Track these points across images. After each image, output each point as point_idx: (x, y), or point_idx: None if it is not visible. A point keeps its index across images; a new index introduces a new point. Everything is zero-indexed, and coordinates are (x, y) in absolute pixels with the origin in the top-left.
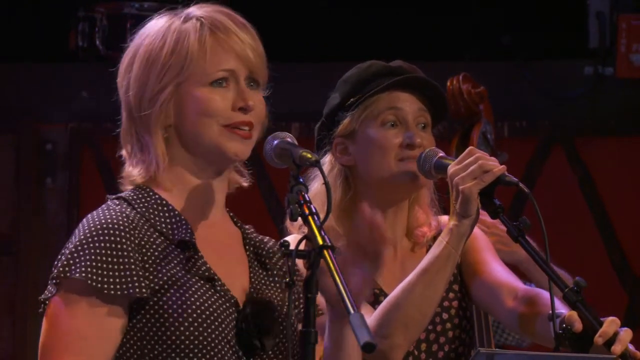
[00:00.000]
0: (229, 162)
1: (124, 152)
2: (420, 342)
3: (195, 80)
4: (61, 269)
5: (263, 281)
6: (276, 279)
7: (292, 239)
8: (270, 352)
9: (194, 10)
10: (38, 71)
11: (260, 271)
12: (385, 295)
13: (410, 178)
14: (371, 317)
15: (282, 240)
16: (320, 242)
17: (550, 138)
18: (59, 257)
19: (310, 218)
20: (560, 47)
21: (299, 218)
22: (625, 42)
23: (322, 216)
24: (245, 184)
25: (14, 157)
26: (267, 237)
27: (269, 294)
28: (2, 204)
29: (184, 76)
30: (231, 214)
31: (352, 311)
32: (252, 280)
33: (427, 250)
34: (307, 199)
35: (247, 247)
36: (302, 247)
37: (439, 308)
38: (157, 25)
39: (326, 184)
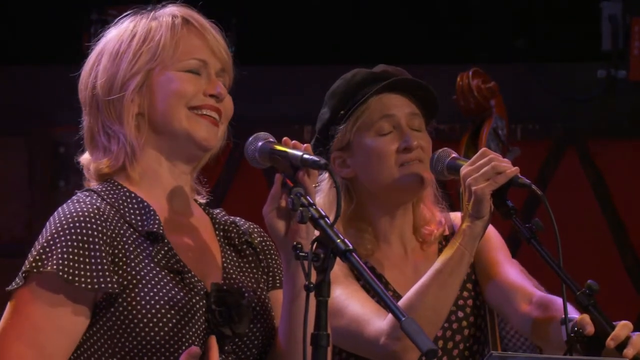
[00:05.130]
0: (197, 148)
1: (84, 156)
2: (437, 339)
3: (168, 65)
4: (33, 263)
5: (236, 264)
6: (250, 258)
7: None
8: (245, 339)
9: (163, 10)
10: (51, 74)
11: (233, 255)
12: (399, 297)
13: (414, 180)
14: (385, 319)
15: (295, 243)
16: (344, 246)
17: (563, 140)
18: (31, 251)
19: (322, 221)
20: (573, 50)
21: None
22: (638, 44)
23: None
24: (202, 200)
25: (27, 160)
26: (238, 218)
27: (242, 278)
28: (16, 206)
29: (156, 62)
30: (199, 202)
31: (402, 317)
32: (225, 265)
33: (437, 248)
34: (311, 201)
35: (217, 232)
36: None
37: (453, 307)
38: (122, 25)
39: (337, 186)
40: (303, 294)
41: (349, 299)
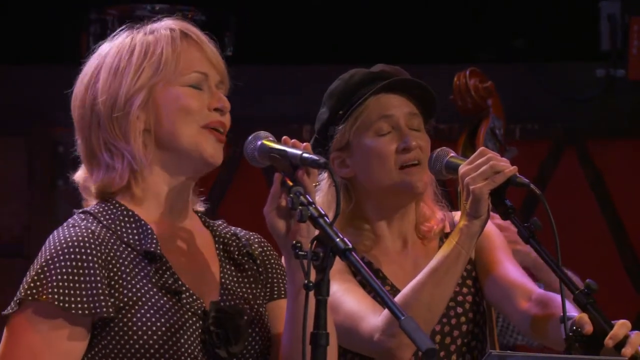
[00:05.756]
0: (204, 164)
1: (78, 174)
2: (435, 334)
3: (171, 80)
4: (28, 290)
5: (235, 279)
6: (249, 272)
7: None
8: (239, 356)
9: (158, 24)
10: (50, 73)
11: (232, 269)
12: (397, 291)
13: (411, 188)
14: (380, 315)
15: (294, 242)
16: (343, 245)
17: (562, 140)
18: (26, 275)
19: (321, 220)
20: (572, 50)
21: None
22: (637, 44)
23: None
24: (200, 209)
25: (25, 160)
26: (239, 229)
27: (241, 293)
28: (14, 206)
29: (159, 77)
30: (199, 214)
31: (402, 316)
32: (223, 281)
33: (438, 244)
34: (311, 200)
35: (217, 245)
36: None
37: (452, 302)
38: (117, 40)
39: (336, 185)
40: (303, 293)
41: (345, 295)
